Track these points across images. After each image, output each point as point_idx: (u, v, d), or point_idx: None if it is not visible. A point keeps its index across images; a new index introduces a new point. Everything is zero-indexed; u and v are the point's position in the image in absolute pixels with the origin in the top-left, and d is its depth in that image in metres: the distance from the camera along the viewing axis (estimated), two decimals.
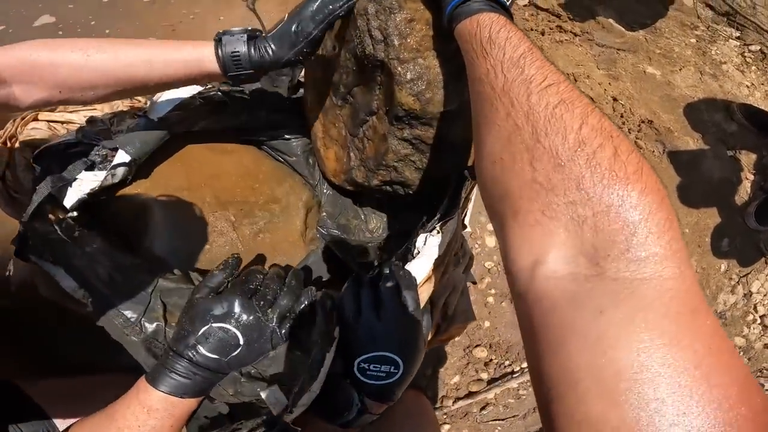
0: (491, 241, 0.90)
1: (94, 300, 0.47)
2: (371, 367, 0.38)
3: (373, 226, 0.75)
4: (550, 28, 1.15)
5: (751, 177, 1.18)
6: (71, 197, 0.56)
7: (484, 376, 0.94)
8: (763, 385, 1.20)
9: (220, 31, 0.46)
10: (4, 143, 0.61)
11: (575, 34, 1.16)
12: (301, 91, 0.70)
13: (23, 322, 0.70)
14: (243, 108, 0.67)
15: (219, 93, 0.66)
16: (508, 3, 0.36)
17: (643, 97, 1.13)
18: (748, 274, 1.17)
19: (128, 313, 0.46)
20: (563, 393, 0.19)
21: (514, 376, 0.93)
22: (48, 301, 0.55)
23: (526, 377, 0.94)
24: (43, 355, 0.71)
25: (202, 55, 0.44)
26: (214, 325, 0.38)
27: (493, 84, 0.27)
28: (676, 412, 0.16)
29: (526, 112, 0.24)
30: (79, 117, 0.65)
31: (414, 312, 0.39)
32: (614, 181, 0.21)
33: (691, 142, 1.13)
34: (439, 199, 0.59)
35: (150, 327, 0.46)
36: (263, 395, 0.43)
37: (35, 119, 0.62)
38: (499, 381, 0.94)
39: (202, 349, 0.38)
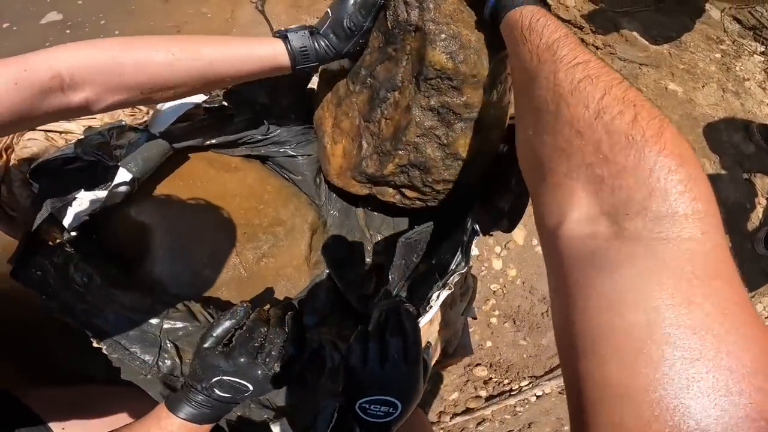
0: (498, 264, 0.88)
1: (104, 341, 0.48)
2: (372, 407, 0.41)
3: (379, 248, 0.73)
4: None
5: (765, 203, 1.15)
6: (70, 216, 0.54)
7: (483, 393, 0.94)
8: None
9: (280, 29, 0.49)
10: (0, 155, 0.58)
11: (597, 47, 1.10)
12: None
13: (20, 333, 0.69)
14: (249, 120, 0.64)
15: (224, 104, 0.63)
16: None
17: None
18: (752, 297, 1.16)
19: (146, 357, 0.48)
20: (586, 353, 0.20)
21: (512, 394, 0.93)
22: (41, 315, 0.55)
23: (524, 396, 0.94)
24: (41, 367, 0.71)
25: (276, 51, 0.46)
26: (225, 378, 0.40)
27: (529, 66, 0.31)
28: (685, 377, 0.16)
29: (553, 86, 0.27)
30: (78, 126, 0.62)
31: (414, 362, 0.42)
32: (631, 143, 0.21)
33: (708, 164, 1.09)
34: (447, 231, 0.58)
35: (166, 366, 0.49)
36: (275, 430, 0.49)
37: (32, 129, 0.59)
38: (497, 399, 0.94)
39: (216, 392, 0.41)
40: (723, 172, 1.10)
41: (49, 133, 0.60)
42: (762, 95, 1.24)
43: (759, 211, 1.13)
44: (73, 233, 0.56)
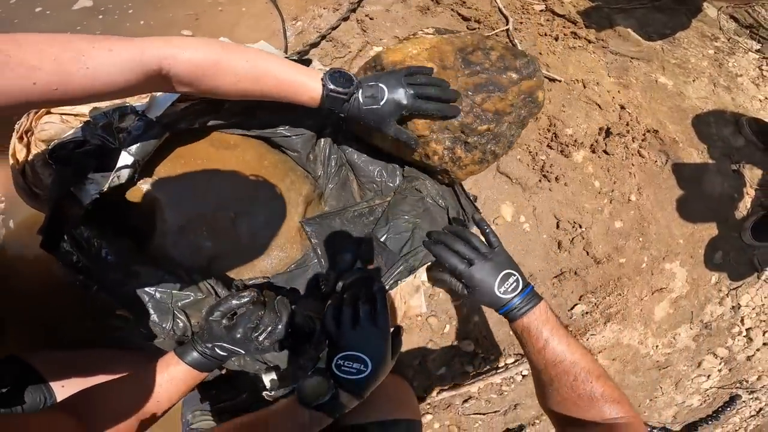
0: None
1: (127, 309, 0.58)
2: (345, 363, 0.47)
3: (373, 219, 0.75)
4: (565, 34, 1.10)
5: (753, 193, 1.16)
6: (86, 196, 0.57)
7: (470, 369, 0.97)
8: (740, 396, 1.22)
9: (329, 69, 0.56)
10: (21, 138, 0.61)
11: (589, 41, 1.11)
12: None
13: (33, 304, 0.73)
14: (242, 107, 0.66)
15: None
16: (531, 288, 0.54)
17: (652, 106, 1.09)
18: (738, 287, 1.16)
19: (163, 324, 0.58)
20: None
21: (498, 371, 0.96)
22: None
23: (510, 373, 0.96)
24: (47, 333, 0.75)
25: (315, 93, 0.54)
26: (224, 344, 0.50)
27: (539, 361, 0.51)
28: None
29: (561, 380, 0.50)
30: (89, 109, 0.65)
31: (383, 327, 0.49)
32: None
33: (695, 154, 1.11)
34: None
35: (179, 329, 0.58)
36: (265, 380, 0.58)
37: (48, 113, 0.62)
38: (484, 375, 0.97)
39: (217, 351, 0.50)
40: (710, 162, 1.11)
41: (63, 116, 0.63)
42: (755, 91, 1.24)
43: (747, 201, 1.14)
44: (89, 209, 0.59)
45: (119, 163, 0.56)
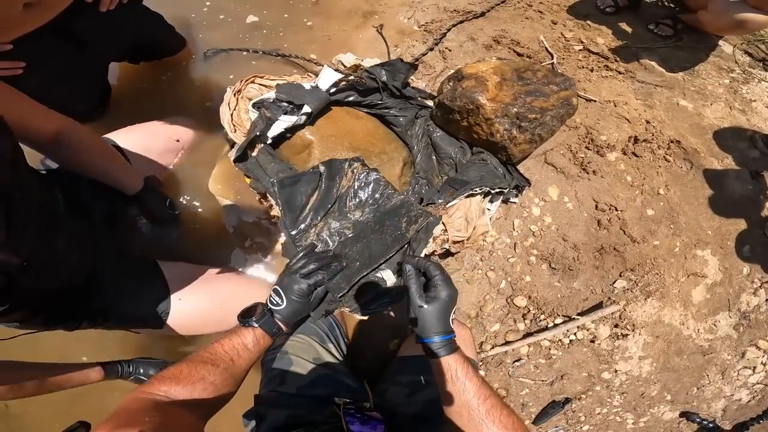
0: (537, 211, 1.27)
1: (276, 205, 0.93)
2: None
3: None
4: (599, 67, 1.56)
5: None
6: (275, 130, 1.01)
7: (521, 326, 1.25)
8: None
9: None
10: (234, 95, 1.08)
11: (619, 72, 1.56)
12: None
13: None
14: (373, 90, 1.12)
15: (364, 80, 1.10)
16: (453, 336, 0.67)
17: (674, 123, 1.48)
18: None
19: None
20: None
21: (548, 329, 1.23)
22: None
23: (558, 332, 1.23)
24: None
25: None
26: (292, 297, 0.76)
27: (454, 401, 0.62)
28: None
29: (473, 419, 0.60)
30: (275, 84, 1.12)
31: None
32: None
33: (716, 162, 1.45)
34: None
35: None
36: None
37: (252, 82, 1.09)
38: (534, 335, 1.24)
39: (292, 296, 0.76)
40: (730, 168, 1.45)
41: (261, 86, 1.10)
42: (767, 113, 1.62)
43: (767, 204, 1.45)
44: (269, 142, 1.02)
45: (303, 111, 1.00)
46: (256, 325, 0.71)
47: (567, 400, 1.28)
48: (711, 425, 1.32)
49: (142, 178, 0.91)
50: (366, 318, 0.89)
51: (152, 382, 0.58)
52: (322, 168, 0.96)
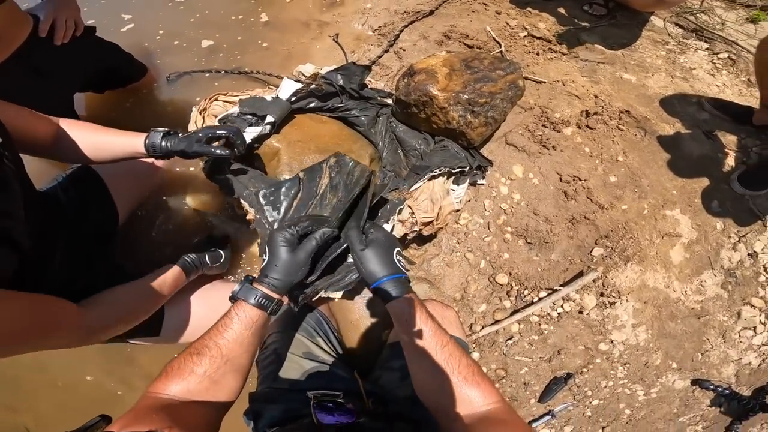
0: (505, 189, 1.38)
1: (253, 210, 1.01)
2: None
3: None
4: (543, 50, 1.74)
5: (732, 153, 1.61)
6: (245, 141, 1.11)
7: (507, 304, 1.32)
8: None
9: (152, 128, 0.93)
10: (200, 113, 1.19)
11: (563, 54, 1.74)
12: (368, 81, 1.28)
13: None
14: (331, 95, 1.24)
15: (322, 86, 1.23)
16: (402, 276, 0.71)
17: (621, 95, 1.64)
18: (746, 234, 1.50)
19: (270, 218, 1.00)
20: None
21: (534, 303, 1.31)
22: None
23: (544, 305, 1.31)
24: None
25: (137, 144, 0.92)
26: (277, 247, 0.73)
27: (411, 350, 0.66)
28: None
29: (434, 368, 0.63)
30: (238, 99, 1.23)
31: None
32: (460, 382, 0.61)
33: (667, 127, 1.60)
34: None
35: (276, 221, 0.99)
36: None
37: (216, 99, 1.20)
38: (521, 311, 1.32)
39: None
40: (683, 131, 1.60)
41: (224, 102, 1.22)
42: (711, 80, 1.79)
43: (727, 160, 1.59)
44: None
45: (266, 120, 1.11)
46: (237, 299, 0.69)
47: (569, 376, 1.33)
48: (727, 391, 1.35)
49: (143, 135, 0.96)
50: (340, 296, 0.94)
51: (155, 382, 0.60)
52: (302, 174, 1.06)
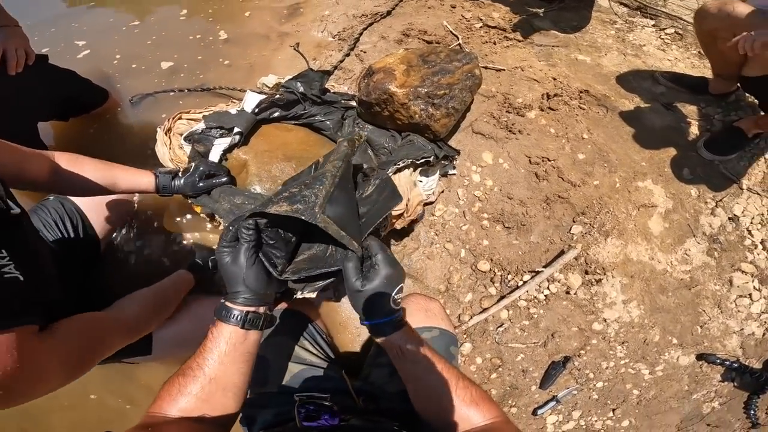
0: (476, 177, 1.43)
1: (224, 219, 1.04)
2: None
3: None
4: (499, 39, 1.84)
5: (695, 122, 1.70)
6: (214, 155, 1.14)
7: (493, 291, 1.35)
8: None
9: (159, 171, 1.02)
10: (166, 134, 1.22)
11: (519, 41, 1.83)
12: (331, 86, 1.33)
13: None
14: (294, 102, 1.28)
15: (282, 95, 1.27)
16: (397, 316, 0.68)
17: (578, 76, 1.73)
18: (723, 198, 1.56)
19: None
20: None
21: (519, 287, 1.34)
22: None
23: (529, 288, 1.34)
24: None
25: (148, 183, 1.00)
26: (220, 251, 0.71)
27: (411, 379, 0.69)
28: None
29: (434, 394, 0.66)
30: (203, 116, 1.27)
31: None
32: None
33: (627, 102, 1.69)
34: None
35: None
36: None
37: (180, 118, 1.23)
38: (507, 296, 1.35)
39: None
40: (643, 105, 1.69)
41: (189, 120, 1.25)
42: (662, 55, 1.91)
43: (694, 127, 1.67)
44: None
45: (234, 131, 1.14)
46: (214, 319, 0.69)
47: (567, 359, 1.34)
48: (736, 365, 1.34)
49: (151, 173, 1.00)
50: (314, 296, 0.92)
51: (153, 404, 0.63)
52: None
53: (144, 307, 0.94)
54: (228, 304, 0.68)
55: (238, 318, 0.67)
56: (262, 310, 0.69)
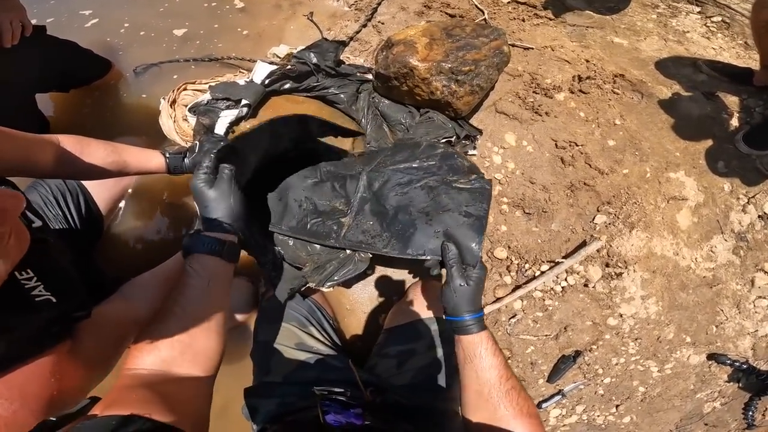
0: (498, 159, 1.40)
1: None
2: None
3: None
4: (529, 16, 1.78)
5: (735, 114, 1.63)
6: (220, 128, 1.14)
7: (508, 280, 1.33)
8: None
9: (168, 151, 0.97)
10: (171, 105, 1.21)
11: (550, 19, 1.78)
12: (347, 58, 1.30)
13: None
14: (306, 74, 1.26)
15: (294, 66, 1.26)
16: (483, 313, 0.76)
17: (613, 59, 1.67)
18: (755, 195, 1.51)
19: None
20: None
21: (537, 277, 1.32)
22: None
23: (546, 279, 1.32)
24: None
25: (159, 164, 0.95)
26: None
27: (475, 379, 0.70)
28: None
29: (492, 397, 0.67)
30: (208, 86, 1.26)
31: None
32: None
33: (665, 89, 1.63)
34: None
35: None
36: None
37: (185, 89, 1.23)
38: (523, 286, 1.33)
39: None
40: (681, 93, 1.62)
41: (195, 91, 1.24)
42: (707, 43, 1.83)
43: (730, 121, 1.61)
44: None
45: (242, 104, 1.13)
46: (187, 252, 0.69)
47: (578, 353, 1.34)
48: (744, 366, 1.37)
49: (159, 153, 0.98)
50: (331, 289, 0.96)
51: (129, 358, 0.60)
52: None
53: (154, 296, 0.94)
54: (206, 234, 0.68)
55: (218, 248, 0.67)
56: (236, 240, 0.71)
